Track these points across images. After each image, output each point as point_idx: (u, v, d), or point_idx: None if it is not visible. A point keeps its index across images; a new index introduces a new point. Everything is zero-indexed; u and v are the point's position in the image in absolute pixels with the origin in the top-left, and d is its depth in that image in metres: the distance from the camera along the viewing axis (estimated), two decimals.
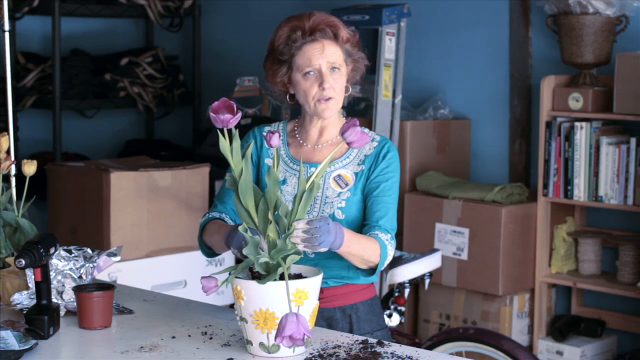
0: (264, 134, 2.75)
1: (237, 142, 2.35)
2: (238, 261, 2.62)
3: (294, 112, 4.92)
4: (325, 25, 2.65)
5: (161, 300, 2.89)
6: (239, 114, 2.33)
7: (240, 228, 2.35)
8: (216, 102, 2.33)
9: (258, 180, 2.76)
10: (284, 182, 2.72)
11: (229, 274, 2.36)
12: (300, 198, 2.34)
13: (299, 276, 2.40)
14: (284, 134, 2.79)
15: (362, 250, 2.56)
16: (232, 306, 2.58)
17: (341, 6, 5.05)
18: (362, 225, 2.69)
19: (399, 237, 3.90)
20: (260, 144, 2.78)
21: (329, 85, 2.65)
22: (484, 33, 4.96)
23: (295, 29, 2.65)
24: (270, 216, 2.35)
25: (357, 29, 4.91)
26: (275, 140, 2.35)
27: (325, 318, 2.71)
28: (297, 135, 2.77)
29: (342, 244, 2.48)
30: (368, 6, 4.88)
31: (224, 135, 2.34)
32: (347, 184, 2.70)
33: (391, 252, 2.64)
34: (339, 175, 2.71)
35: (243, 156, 2.35)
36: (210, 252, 2.76)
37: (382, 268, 2.66)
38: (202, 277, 2.31)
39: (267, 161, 2.76)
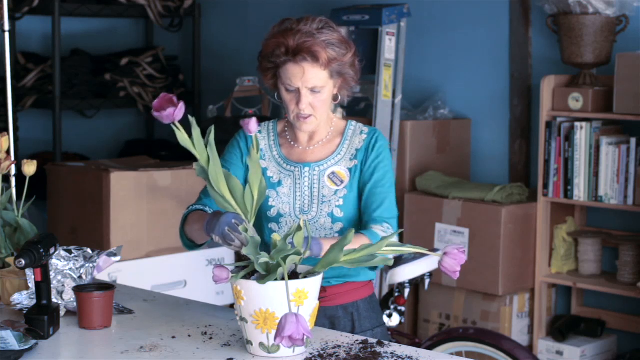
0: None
1: (196, 130, 2.34)
2: (237, 255, 2.61)
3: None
4: (306, 52, 2.60)
5: (161, 300, 2.89)
6: (182, 104, 2.31)
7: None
8: (155, 101, 2.32)
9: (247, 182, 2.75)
10: (279, 184, 2.72)
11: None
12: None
13: (298, 276, 2.40)
14: (274, 134, 2.79)
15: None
16: (232, 306, 2.57)
17: (341, 6, 5.05)
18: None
19: (399, 237, 3.90)
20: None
21: (304, 106, 2.65)
22: (484, 33, 4.96)
23: (280, 46, 2.62)
24: (255, 202, 2.36)
25: (357, 29, 4.94)
26: (253, 125, 2.35)
27: (329, 317, 2.71)
28: (287, 136, 2.78)
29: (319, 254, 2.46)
30: (368, 6, 4.88)
31: (178, 129, 2.33)
32: (342, 181, 2.71)
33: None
34: (333, 173, 2.72)
35: (207, 144, 2.35)
36: (190, 244, 2.74)
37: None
38: (215, 267, 2.30)
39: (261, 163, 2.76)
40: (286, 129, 2.79)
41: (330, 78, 2.66)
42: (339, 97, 2.72)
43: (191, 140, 2.34)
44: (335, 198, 2.69)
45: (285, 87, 2.66)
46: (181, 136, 2.34)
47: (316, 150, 2.75)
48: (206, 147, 2.35)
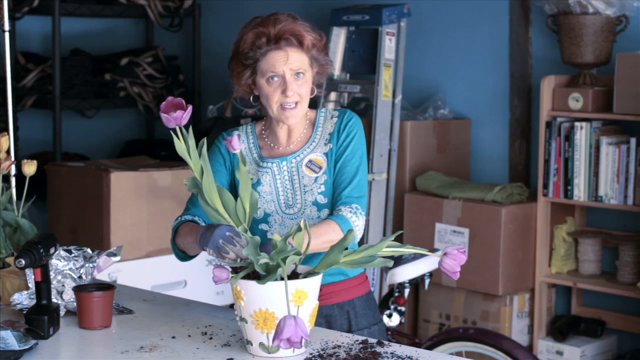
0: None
1: (191, 140, 2.35)
2: None
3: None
4: (290, 34, 2.62)
5: (161, 300, 2.89)
6: (190, 108, 2.33)
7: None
8: (163, 103, 2.33)
9: (233, 188, 2.75)
10: (258, 183, 2.71)
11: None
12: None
13: (298, 276, 2.40)
14: (253, 136, 2.78)
15: (322, 243, 2.54)
16: (232, 306, 2.57)
17: (341, 6, 5.05)
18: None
19: (399, 236, 3.90)
20: None
21: (292, 93, 2.64)
22: (484, 33, 4.96)
23: (260, 36, 2.63)
24: (247, 215, 2.35)
25: (357, 29, 4.94)
26: (236, 143, 2.35)
27: (325, 316, 2.72)
28: (266, 139, 2.77)
29: None
30: (368, 6, 4.88)
31: (177, 136, 2.33)
32: (320, 167, 2.71)
33: (359, 222, 2.64)
34: (310, 161, 2.72)
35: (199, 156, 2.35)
36: (183, 256, 2.73)
37: (358, 240, 2.67)
38: (215, 267, 2.30)
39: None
40: (264, 131, 2.79)
41: (310, 66, 2.68)
42: (315, 91, 2.73)
43: (188, 151, 2.35)
44: (316, 185, 2.69)
45: (268, 78, 2.65)
46: (178, 144, 2.34)
47: (295, 148, 2.75)
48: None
